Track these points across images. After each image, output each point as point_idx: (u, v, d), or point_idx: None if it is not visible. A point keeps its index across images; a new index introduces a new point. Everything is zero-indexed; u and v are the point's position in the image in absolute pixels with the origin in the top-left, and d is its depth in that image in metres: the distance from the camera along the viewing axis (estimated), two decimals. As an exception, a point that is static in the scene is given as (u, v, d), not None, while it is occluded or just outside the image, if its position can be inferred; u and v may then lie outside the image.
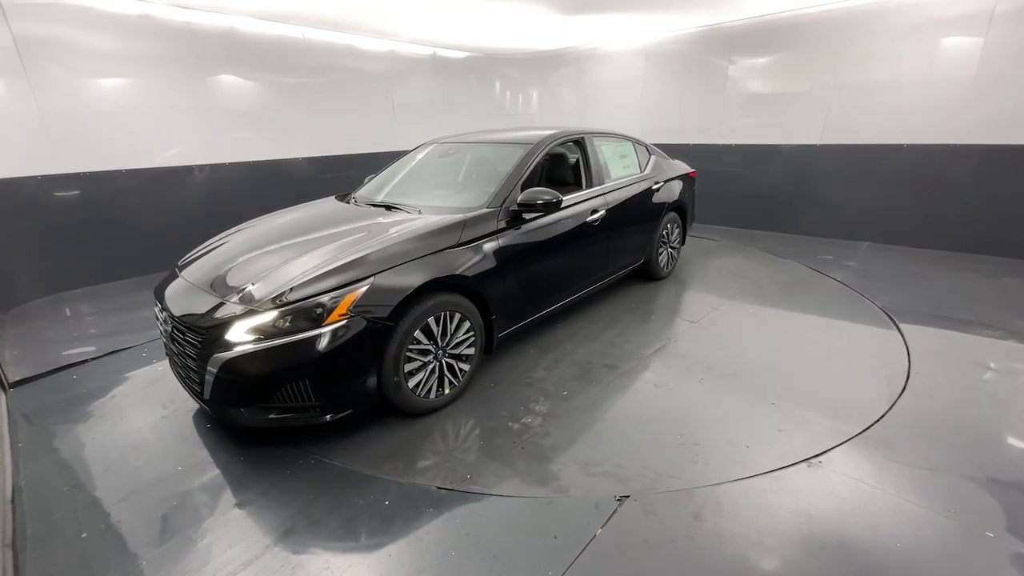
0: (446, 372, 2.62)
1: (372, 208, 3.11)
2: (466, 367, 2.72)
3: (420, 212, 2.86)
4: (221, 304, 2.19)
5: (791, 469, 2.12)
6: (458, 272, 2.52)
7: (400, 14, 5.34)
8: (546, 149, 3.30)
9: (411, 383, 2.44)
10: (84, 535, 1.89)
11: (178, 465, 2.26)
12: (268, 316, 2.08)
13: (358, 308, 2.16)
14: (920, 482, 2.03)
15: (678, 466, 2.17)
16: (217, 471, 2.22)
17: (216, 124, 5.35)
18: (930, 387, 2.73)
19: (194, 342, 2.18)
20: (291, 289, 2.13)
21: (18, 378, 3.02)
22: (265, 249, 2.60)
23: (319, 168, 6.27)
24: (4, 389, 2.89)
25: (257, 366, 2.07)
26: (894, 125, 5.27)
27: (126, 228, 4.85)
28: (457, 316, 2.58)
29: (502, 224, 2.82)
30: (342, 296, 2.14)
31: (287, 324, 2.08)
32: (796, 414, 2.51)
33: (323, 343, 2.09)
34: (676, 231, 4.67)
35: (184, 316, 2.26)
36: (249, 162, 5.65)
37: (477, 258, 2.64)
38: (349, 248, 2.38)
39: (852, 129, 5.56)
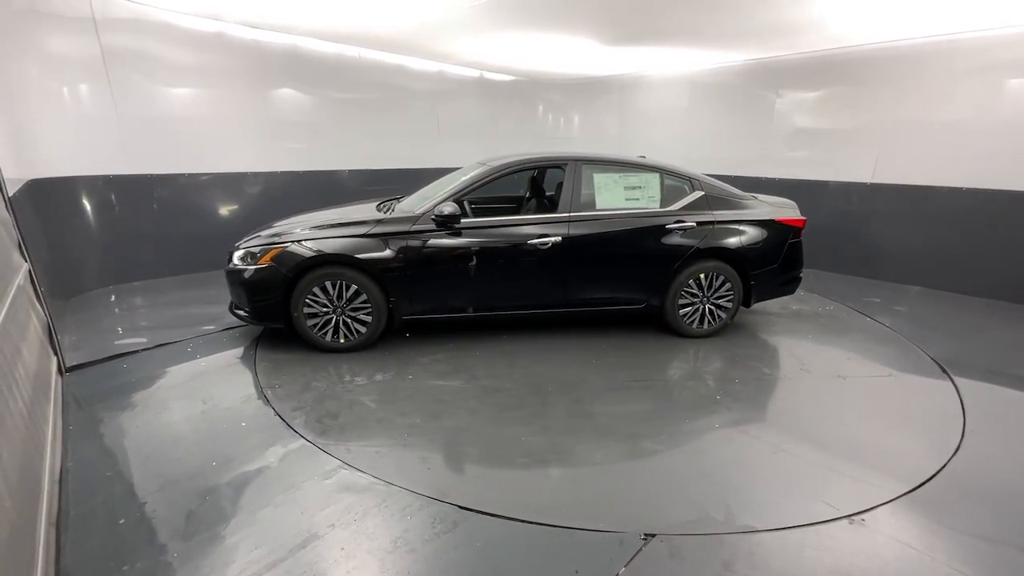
0: (342, 326, 3.44)
1: (372, 205, 3.93)
2: (363, 329, 3.47)
3: (392, 211, 3.66)
4: (237, 246, 3.52)
5: (831, 524, 2.00)
6: (349, 253, 3.33)
7: (454, 40, 5.55)
8: (500, 173, 3.65)
9: (309, 323, 3.39)
10: (122, 521, 1.97)
11: (212, 460, 2.33)
12: (241, 252, 3.44)
13: (276, 260, 3.30)
14: (973, 551, 1.88)
15: (383, 469, 2.32)
16: (250, 469, 2.28)
17: (273, 134, 5.65)
18: (986, 448, 2.55)
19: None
20: (255, 240, 3.47)
21: (74, 363, 3.20)
22: (289, 224, 3.65)
23: (364, 180, 6.51)
24: (61, 373, 3.07)
25: (235, 279, 3.43)
26: (953, 167, 5.06)
27: (183, 227, 5.14)
28: (353, 287, 3.37)
29: (421, 227, 3.42)
30: (267, 250, 3.34)
31: (247, 260, 3.38)
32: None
33: (252, 275, 3.34)
34: (724, 284, 3.81)
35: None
36: (299, 171, 5.92)
37: (376, 248, 3.37)
38: (299, 225, 3.51)
39: (907, 169, 5.36)
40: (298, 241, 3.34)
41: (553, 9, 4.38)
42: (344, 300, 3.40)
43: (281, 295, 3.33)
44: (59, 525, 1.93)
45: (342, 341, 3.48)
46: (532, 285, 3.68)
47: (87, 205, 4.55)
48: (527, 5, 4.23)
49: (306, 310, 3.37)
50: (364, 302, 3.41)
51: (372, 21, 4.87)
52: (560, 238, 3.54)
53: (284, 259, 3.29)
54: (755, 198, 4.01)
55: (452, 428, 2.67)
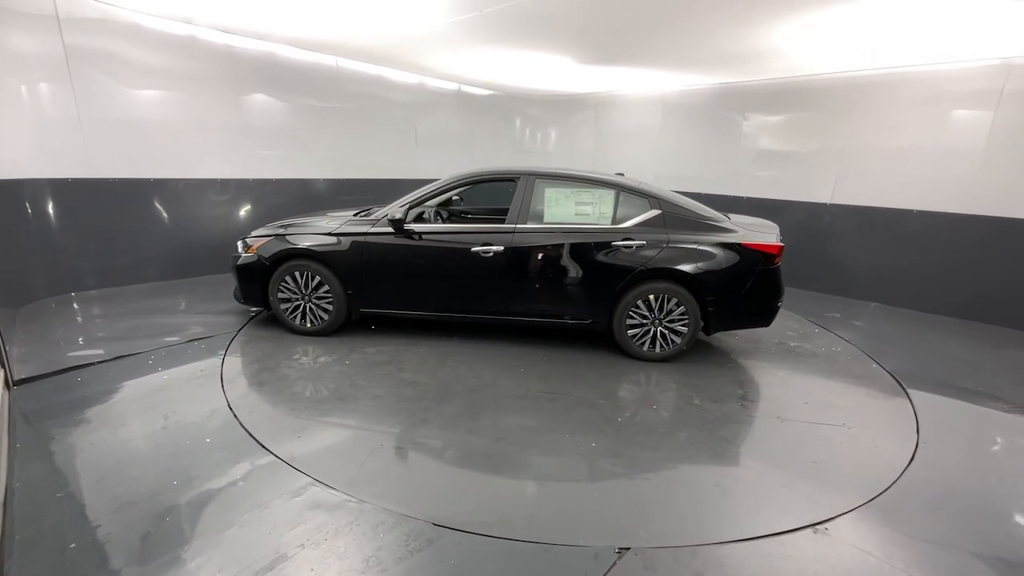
0: (308, 313, 3.92)
1: (349, 212, 4.21)
2: (325, 316, 3.91)
3: (369, 215, 3.95)
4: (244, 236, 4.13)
5: (797, 534, 2.06)
6: (313, 248, 3.79)
7: (433, 53, 5.58)
8: (455, 184, 3.92)
9: (282, 307, 3.92)
10: (72, 545, 1.85)
11: (174, 479, 2.23)
12: (241, 244, 4.03)
13: (260, 251, 3.87)
14: (929, 557, 1.97)
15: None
16: (213, 489, 2.19)
17: (245, 142, 5.53)
18: (938, 457, 2.68)
19: None
20: (256, 231, 4.06)
21: (22, 376, 3.02)
22: (292, 222, 4.14)
23: (339, 189, 6.42)
24: (8, 387, 2.89)
25: (232, 264, 4.02)
26: (904, 190, 5.37)
27: (145, 235, 4.95)
28: (317, 279, 3.83)
29: (378, 230, 3.77)
30: (254, 242, 3.94)
31: (245, 249, 3.96)
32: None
33: (242, 262, 3.94)
34: (678, 308, 3.59)
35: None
36: (272, 179, 5.80)
37: (336, 246, 3.80)
38: (298, 223, 4.04)
39: (863, 191, 5.66)
40: (277, 236, 3.89)
41: (528, 28, 4.47)
42: (309, 289, 3.86)
43: (262, 281, 3.87)
44: (2, 550, 1.81)
45: (308, 326, 3.96)
46: (475, 292, 3.83)
47: (42, 209, 4.33)
48: (503, 23, 4.31)
49: (280, 295, 3.89)
50: (327, 292, 3.85)
51: (349, 32, 4.86)
52: (503, 248, 3.63)
53: (264, 251, 3.85)
54: (727, 219, 3.76)
55: (347, 409, 2.93)
